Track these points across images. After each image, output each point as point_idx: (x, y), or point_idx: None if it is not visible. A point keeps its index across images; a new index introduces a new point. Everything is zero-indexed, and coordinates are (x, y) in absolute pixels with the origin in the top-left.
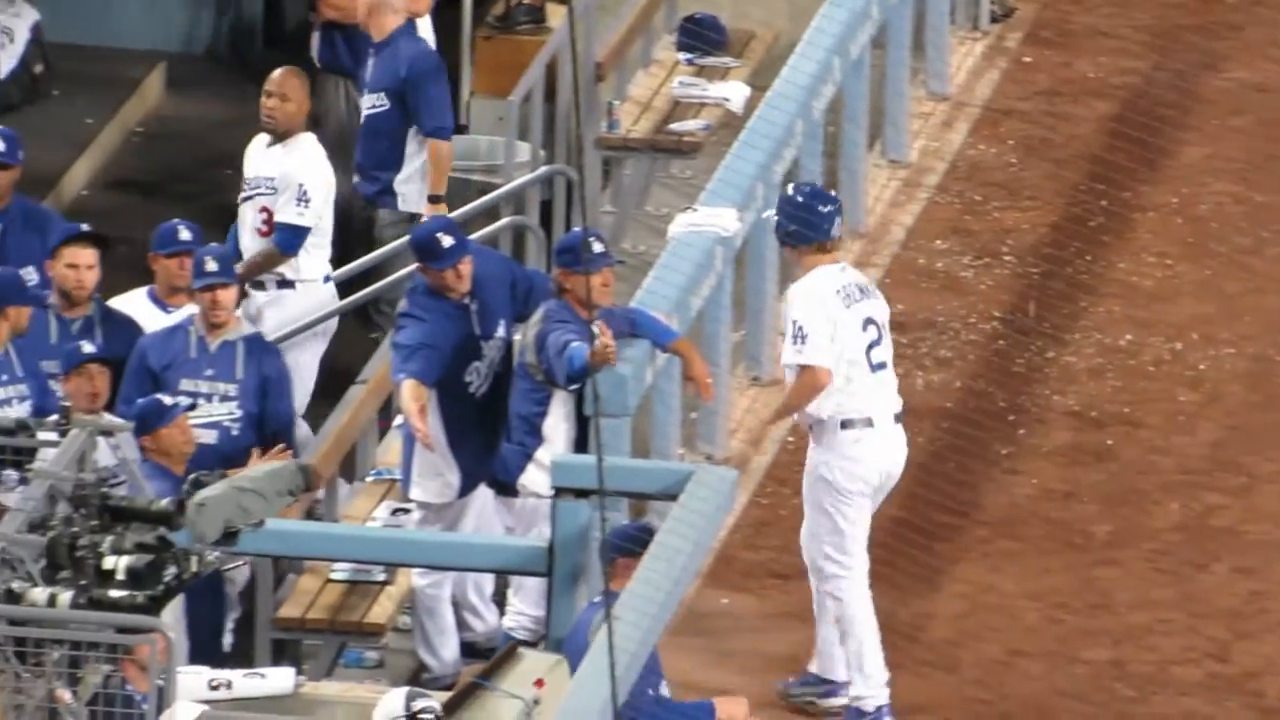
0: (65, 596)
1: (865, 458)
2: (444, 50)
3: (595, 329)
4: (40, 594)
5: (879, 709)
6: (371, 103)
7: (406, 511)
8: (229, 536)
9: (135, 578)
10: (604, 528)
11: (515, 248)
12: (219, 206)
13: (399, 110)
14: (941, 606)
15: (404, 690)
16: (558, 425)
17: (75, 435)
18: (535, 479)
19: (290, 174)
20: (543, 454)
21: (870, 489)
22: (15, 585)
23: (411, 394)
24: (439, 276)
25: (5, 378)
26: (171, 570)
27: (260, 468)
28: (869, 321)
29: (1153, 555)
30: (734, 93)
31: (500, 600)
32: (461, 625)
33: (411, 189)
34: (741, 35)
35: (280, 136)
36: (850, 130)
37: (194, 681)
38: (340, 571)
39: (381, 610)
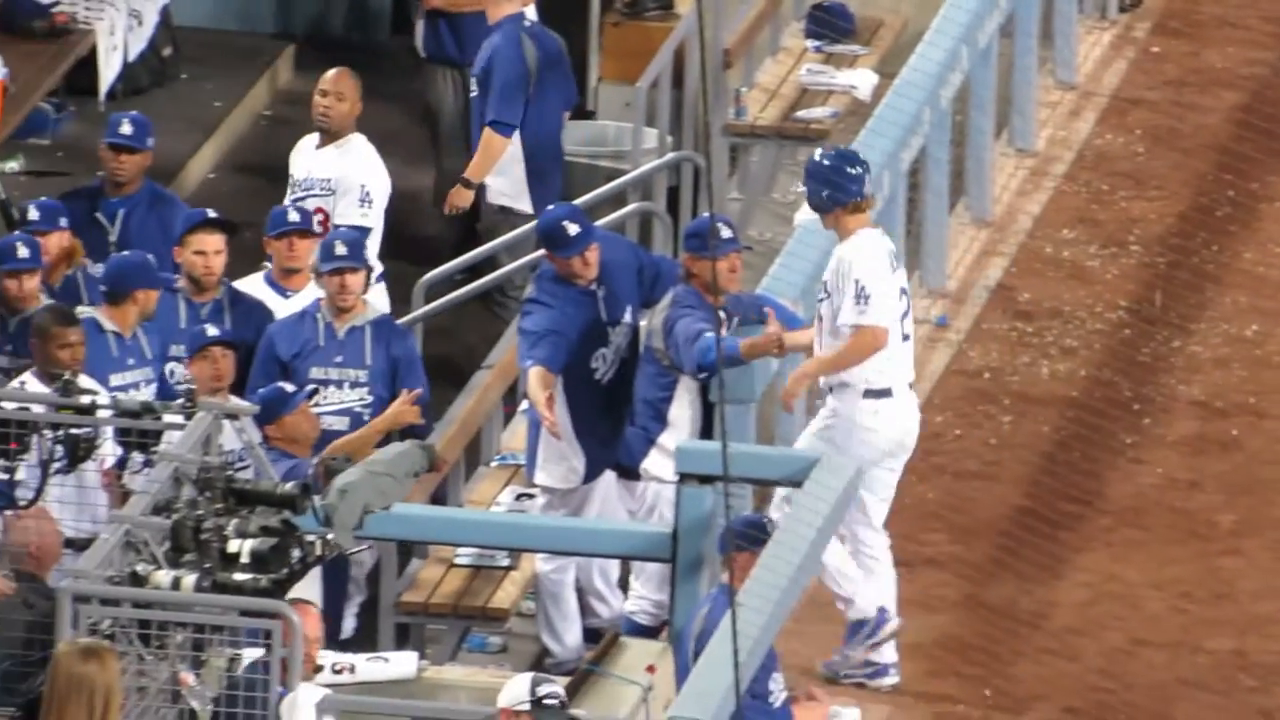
0: (189, 579)
1: (881, 428)
2: (572, 36)
3: (765, 313)
4: (164, 577)
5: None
6: (472, 87)
7: (531, 497)
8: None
9: (259, 561)
10: (728, 514)
11: (642, 234)
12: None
13: (485, 98)
14: (1065, 595)
15: (529, 675)
16: (682, 411)
17: (200, 418)
18: (658, 464)
19: (349, 175)
20: (666, 439)
21: (880, 456)
22: (140, 568)
23: (538, 381)
24: (565, 264)
25: (132, 361)
26: (296, 554)
27: (389, 449)
28: (902, 291)
29: (1277, 545)
30: (862, 80)
31: (625, 585)
32: (586, 610)
33: (499, 181)
34: (870, 23)
35: (332, 136)
36: (977, 119)
37: None
38: (464, 556)
39: (505, 595)
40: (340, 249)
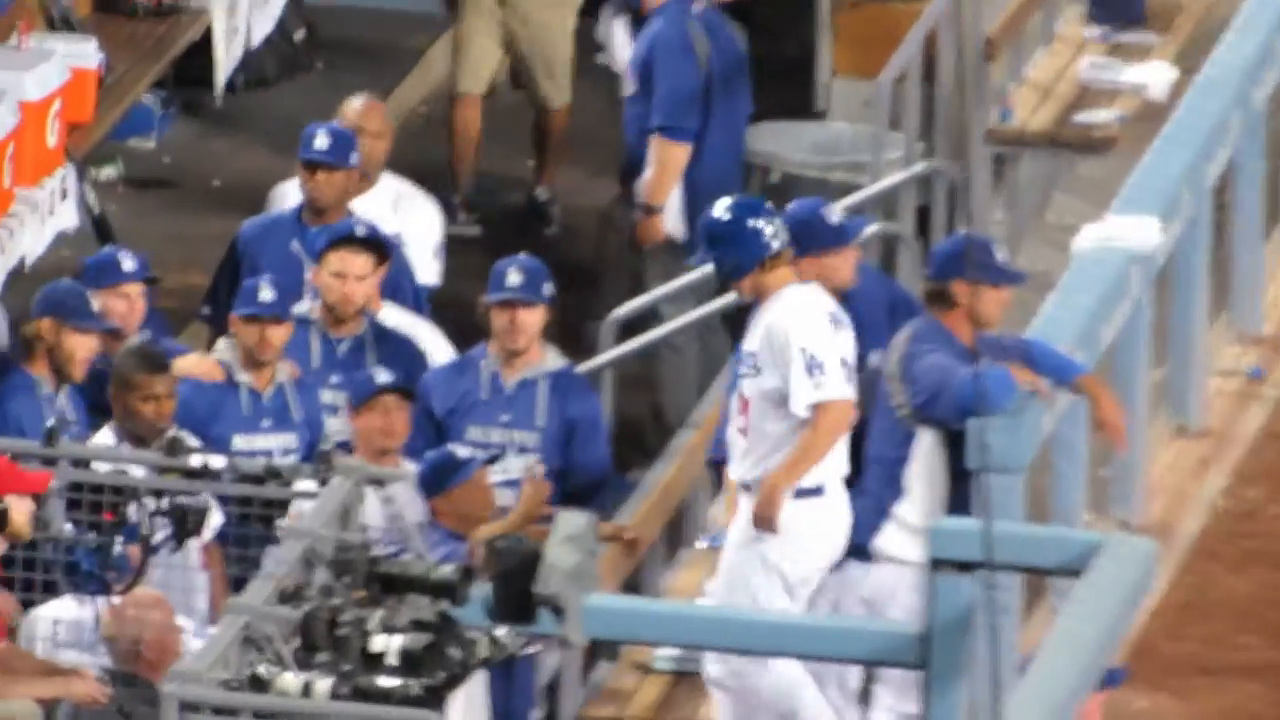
0: (323, 685)
1: (815, 535)
2: (799, 21)
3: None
4: (292, 681)
5: None
6: (627, 88)
7: None
8: (528, 612)
9: (410, 663)
10: (992, 609)
11: (884, 263)
12: (510, 206)
13: (645, 98)
14: None
15: None
16: (925, 476)
17: (338, 485)
18: (895, 542)
19: (416, 228)
20: (905, 511)
21: (812, 572)
22: (262, 670)
23: None
24: (818, 264)
25: (268, 423)
26: (455, 654)
27: (576, 521)
28: (843, 361)
29: None
30: (1155, 77)
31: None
32: None
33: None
34: (1165, 7)
35: (366, 182)
36: None
37: None
38: (664, 660)
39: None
40: (514, 277)
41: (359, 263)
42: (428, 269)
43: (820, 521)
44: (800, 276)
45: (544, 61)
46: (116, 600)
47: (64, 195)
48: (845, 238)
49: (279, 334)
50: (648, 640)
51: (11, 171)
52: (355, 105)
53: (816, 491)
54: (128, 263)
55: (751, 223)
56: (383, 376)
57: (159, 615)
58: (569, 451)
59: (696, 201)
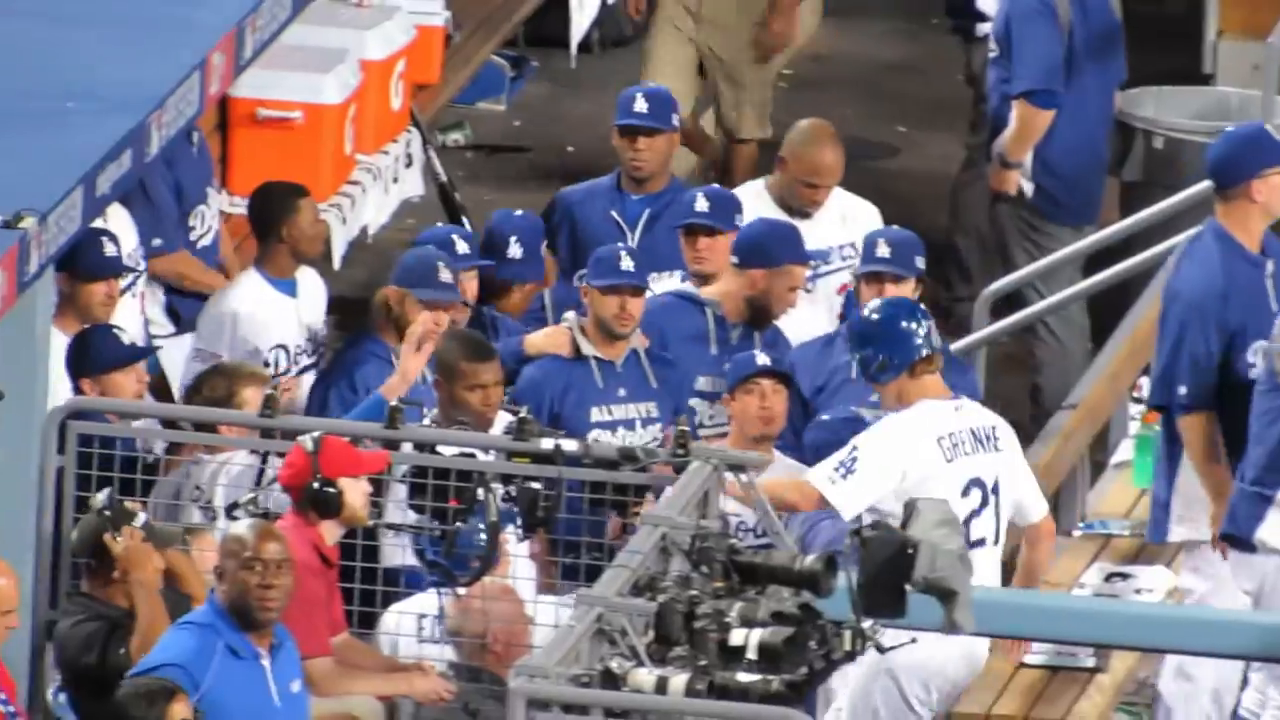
0: (679, 680)
1: (940, 656)
2: None
3: None
4: (647, 676)
5: None
6: (990, 46)
7: (1124, 577)
8: (898, 603)
9: (771, 657)
10: None
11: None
12: (890, 173)
13: (1006, 62)
14: None
15: None
16: None
17: (696, 470)
18: (1279, 532)
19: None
20: None
21: (934, 701)
22: (615, 664)
23: None
24: (1266, 185)
25: (624, 393)
26: (817, 649)
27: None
28: (974, 484)
29: None
30: None
31: None
32: None
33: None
34: None
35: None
36: None
37: None
38: (1037, 654)
39: (1090, 706)
40: (882, 249)
41: (801, 274)
42: None
43: (947, 643)
44: (1254, 199)
45: (733, 81)
46: (462, 591)
47: (408, 162)
48: None
49: (638, 305)
50: (1022, 634)
51: (353, 136)
52: (813, 160)
53: None
54: (462, 245)
55: (904, 324)
56: (762, 358)
57: (507, 607)
58: None
59: (1054, 169)
